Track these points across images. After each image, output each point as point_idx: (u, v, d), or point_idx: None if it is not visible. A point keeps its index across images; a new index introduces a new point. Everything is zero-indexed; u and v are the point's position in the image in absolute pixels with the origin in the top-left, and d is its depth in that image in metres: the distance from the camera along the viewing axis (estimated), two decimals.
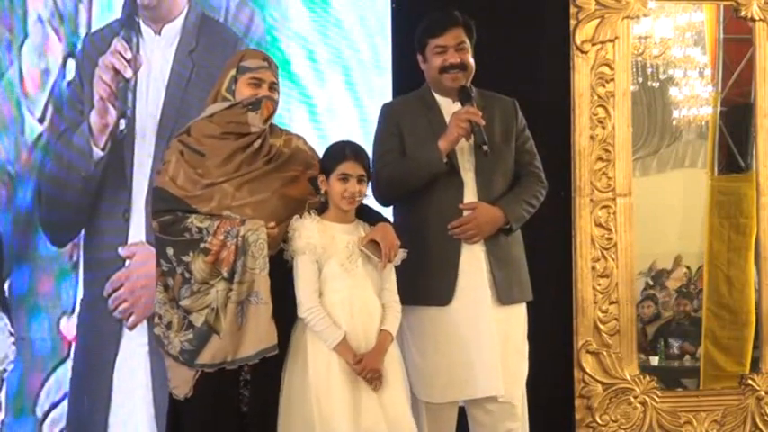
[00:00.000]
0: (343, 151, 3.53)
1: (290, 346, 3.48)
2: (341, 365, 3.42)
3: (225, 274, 3.38)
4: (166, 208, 3.44)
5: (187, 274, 3.40)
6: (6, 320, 4.48)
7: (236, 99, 3.52)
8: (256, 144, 3.49)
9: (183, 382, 3.43)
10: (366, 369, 3.41)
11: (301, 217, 3.49)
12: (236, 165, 3.47)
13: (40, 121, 4.63)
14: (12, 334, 4.48)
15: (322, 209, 3.55)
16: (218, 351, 3.37)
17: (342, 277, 3.47)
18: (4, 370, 4.48)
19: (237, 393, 3.44)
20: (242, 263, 3.37)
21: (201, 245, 3.38)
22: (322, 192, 3.52)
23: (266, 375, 3.44)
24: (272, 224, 3.44)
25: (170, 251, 3.42)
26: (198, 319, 3.39)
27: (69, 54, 4.67)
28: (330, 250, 3.47)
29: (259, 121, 3.48)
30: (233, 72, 3.56)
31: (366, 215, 3.62)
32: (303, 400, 3.40)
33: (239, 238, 3.37)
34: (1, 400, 4.49)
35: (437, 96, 3.93)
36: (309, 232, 3.46)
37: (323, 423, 3.36)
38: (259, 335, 3.37)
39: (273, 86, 3.57)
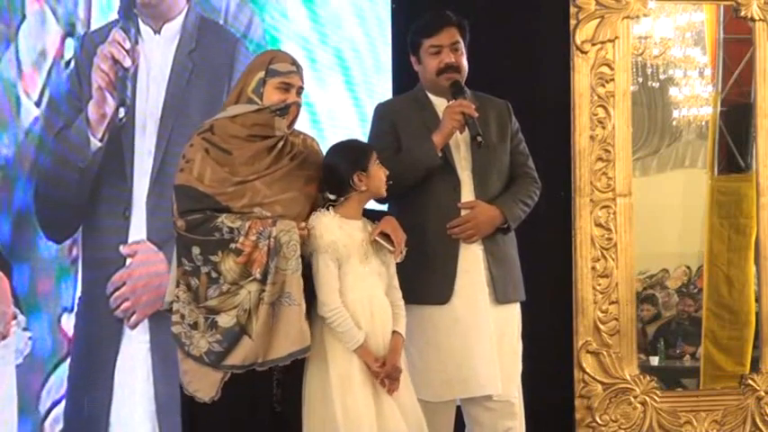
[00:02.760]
0: (369, 147, 3.56)
1: None
2: (361, 366, 3.39)
3: (257, 276, 3.33)
4: (197, 207, 3.38)
5: (214, 274, 3.34)
6: (21, 317, 4.50)
7: (263, 102, 3.47)
8: (280, 144, 3.48)
9: (207, 384, 3.36)
10: (391, 368, 3.39)
11: (319, 213, 3.47)
12: (265, 163, 3.45)
13: (37, 104, 4.59)
14: (26, 329, 4.50)
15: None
16: (250, 353, 3.32)
17: (362, 276, 3.46)
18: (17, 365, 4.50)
19: (271, 394, 3.40)
20: (274, 264, 3.33)
21: (232, 245, 3.33)
22: (361, 189, 3.47)
23: (299, 374, 3.41)
24: (303, 225, 3.41)
25: (196, 250, 3.36)
26: (225, 320, 3.34)
27: (67, 34, 4.63)
28: (350, 248, 3.44)
29: (284, 126, 3.47)
30: (261, 74, 3.49)
31: (367, 213, 3.62)
32: (324, 400, 3.37)
33: (271, 239, 3.33)
34: (14, 392, 4.50)
35: (431, 96, 3.92)
36: (331, 229, 3.43)
37: (348, 424, 3.33)
38: (290, 336, 3.32)
39: (300, 91, 3.54)
